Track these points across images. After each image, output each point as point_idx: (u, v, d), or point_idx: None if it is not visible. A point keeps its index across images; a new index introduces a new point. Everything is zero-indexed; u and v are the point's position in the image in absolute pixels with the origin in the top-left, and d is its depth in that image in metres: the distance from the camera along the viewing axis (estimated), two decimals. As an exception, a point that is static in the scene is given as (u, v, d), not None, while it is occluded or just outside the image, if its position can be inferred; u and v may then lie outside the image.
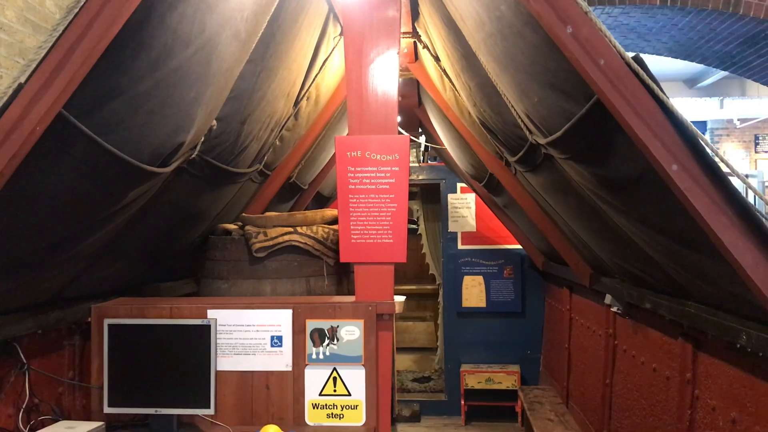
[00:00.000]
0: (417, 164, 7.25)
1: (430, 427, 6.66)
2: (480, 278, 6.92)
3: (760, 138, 14.75)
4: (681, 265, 2.43)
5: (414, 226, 8.91)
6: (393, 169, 3.17)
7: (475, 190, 6.55)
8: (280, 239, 3.60)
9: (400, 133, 3.47)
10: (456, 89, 3.64)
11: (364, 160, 3.18)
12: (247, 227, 3.76)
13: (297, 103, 3.83)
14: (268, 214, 3.96)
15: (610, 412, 4.24)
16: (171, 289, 4.06)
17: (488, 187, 5.33)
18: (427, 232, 8.29)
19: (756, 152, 14.61)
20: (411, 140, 7.51)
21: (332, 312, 3.12)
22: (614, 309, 3.91)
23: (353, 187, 3.18)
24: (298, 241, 3.61)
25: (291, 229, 3.67)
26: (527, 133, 2.76)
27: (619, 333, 4.18)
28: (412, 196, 8.79)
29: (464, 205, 7.01)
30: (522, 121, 2.72)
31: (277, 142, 3.88)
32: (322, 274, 3.69)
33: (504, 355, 6.85)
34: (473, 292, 6.91)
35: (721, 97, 12.52)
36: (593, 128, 2.03)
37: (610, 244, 3.18)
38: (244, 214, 3.87)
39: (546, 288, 6.76)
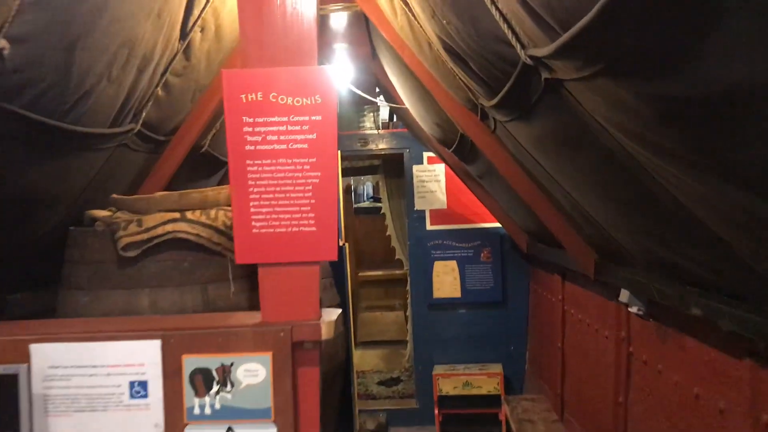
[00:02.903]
0: (376, 132, 6.15)
1: (399, 442, 5.65)
2: (453, 263, 5.87)
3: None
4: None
5: (379, 204, 7.85)
6: (313, 118, 2.08)
7: (444, 160, 5.47)
8: (159, 230, 2.48)
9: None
10: (408, 6, 2.54)
11: (268, 105, 2.08)
12: (118, 214, 2.64)
13: (185, 35, 2.69)
14: (153, 194, 2.84)
15: (626, 442, 3.23)
16: (25, 302, 2.93)
17: (459, 153, 4.26)
18: (391, 211, 7.22)
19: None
20: (369, 102, 6.41)
21: (224, 341, 2.02)
22: (634, 310, 2.88)
23: (252, 148, 2.08)
24: (186, 232, 2.50)
25: (178, 215, 2.55)
26: (518, 47, 1.67)
27: (636, 338, 3.16)
28: (373, 169, 7.70)
29: (432, 178, 5.93)
30: (508, 23, 1.63)
31: (160, 92, 2.74)
32: (227, 279, 2.59)
33: (484, 353, 5.84)
34: (446, 280, 5.86)
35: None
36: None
37: (644, 220, 2.13)
38: (115, 196, 2.75)
39: (531, 272, 5.74)
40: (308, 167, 2.08)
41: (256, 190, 2.08)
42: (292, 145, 2.08)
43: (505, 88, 1.99)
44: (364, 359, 7.59)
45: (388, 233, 7.24)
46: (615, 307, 3.36)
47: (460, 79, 2.58)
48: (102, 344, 2.02)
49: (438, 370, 5.67)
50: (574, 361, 4.33)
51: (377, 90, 5.95)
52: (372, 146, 6.07)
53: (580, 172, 2.25)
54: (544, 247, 4.68)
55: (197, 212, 2.58)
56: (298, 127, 2.07)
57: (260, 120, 2.07)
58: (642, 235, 2.31)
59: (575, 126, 1.82)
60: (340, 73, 4.64)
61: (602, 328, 3.66)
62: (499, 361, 5.79)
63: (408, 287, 6.63)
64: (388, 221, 7.19)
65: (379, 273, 9.06)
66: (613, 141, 1.66)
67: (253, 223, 2.08)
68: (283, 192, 2.08)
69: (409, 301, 6.66)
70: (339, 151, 5.50)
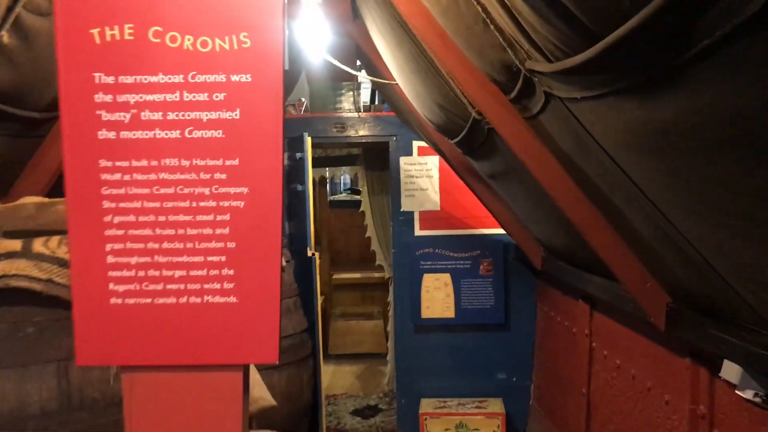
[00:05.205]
0: (356, 115, 5.11)
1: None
2: (446, 277, 4.86)
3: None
4: None
5: (359, 197, 6.82)
6: (235, 78, 1.04)
7: (439, 151, 4.45)
8: (-23, 275, 1.43)
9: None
10: None
11: (145, 51, 1.03)
12: None
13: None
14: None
15: None
16: None
17: (466, 146, 3.24)
18: (372, 209, 6.19)
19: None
20: (348, 77, 5.34)
21: None
22: (747, 395, 1.90)
23: (112, 135, 1.04)
24: (27, 278, 1.45)
25: (18, 247, 1.50)
26: None
27: (727, 421, 2.19)
28: (351, 160, 6.67)
29: (423, 173, 4.91)
30: None
31: (7, 39, 1.68)
32: (104, 351, 1.55)
33: (481, 385, 4.86)
34: (437, 296, 4.86)
35: None
36: None
37: None
38: (-75, 208, 1.68)
39: (539, 289, 4.76)
40: (224, 177, 1.04)
41: (117, 219, 1.04)
42: (192, 132, 1.05)
43: (626, 28, 0.97)
44: (335, 379, 6.59)
45: (367, 235, 6.22)
46: (688, 368, 2.39)
47: (500, 26, 1.55)
48: None
49: (425, 406, 4.67)
50: (605, 416, 3.37)
51: (358, 63, 4.90)
52: (351, 132, 5.03)
53: (731, 193, 1.24)
54: (567, 267, 3.69)
55: (54, 240, 1.53)
56: (204, 96, 1.04)
57: (129, 80, 1.03)
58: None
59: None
60: (311, 36, 3.59)
61: (660, 388, 2.69)
62: (499, 394, 4.82)
63: (390, 299, 5.64)
64: (368, 221, 6.16)
65: (356, 275, 8.07)
66: None
67: (111, 286, 1.04)
68: (174, 225, 1.05)
69: (390, 313, 5.68)
70: (309, 138, 4.46)
